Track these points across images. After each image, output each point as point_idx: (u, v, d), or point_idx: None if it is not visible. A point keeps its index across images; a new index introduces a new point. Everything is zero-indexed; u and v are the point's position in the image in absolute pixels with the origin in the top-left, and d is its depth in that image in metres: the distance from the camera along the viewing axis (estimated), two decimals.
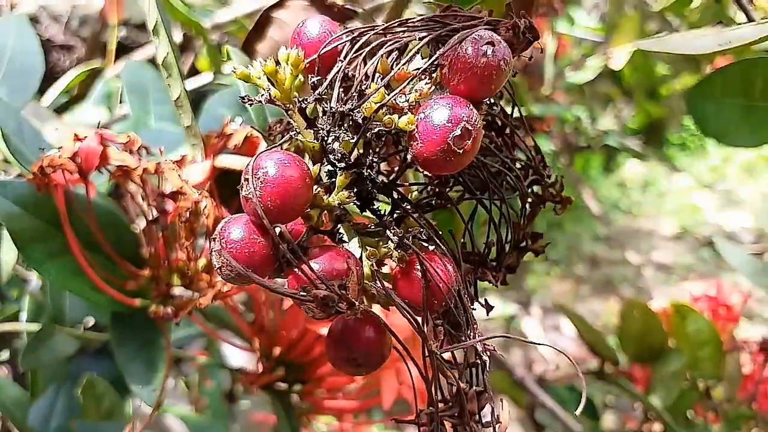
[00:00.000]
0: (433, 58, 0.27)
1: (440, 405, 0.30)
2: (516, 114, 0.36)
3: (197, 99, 0.87)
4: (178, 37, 1.30)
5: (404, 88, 0.27)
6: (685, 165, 3.23)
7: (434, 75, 0.28)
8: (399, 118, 0.27)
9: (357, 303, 0.26)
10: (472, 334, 0.31)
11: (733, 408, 0.80)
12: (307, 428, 0.57)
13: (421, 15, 0.31)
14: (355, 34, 0.29)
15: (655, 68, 1.93)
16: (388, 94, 0.27)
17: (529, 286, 2.41)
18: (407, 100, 0.28)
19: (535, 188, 0.36)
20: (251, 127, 0.42)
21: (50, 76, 1.20)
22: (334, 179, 0.29)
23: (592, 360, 0.89)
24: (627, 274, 2.47)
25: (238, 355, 0.85)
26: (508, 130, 0.35)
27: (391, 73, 0.27)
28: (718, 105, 0.55)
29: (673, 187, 3.12)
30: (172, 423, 0.99)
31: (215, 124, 0.53)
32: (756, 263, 0.72)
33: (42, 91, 1.15)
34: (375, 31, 0.29)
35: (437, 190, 0.32)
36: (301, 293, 0.26)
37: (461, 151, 0.26)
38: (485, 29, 0.28)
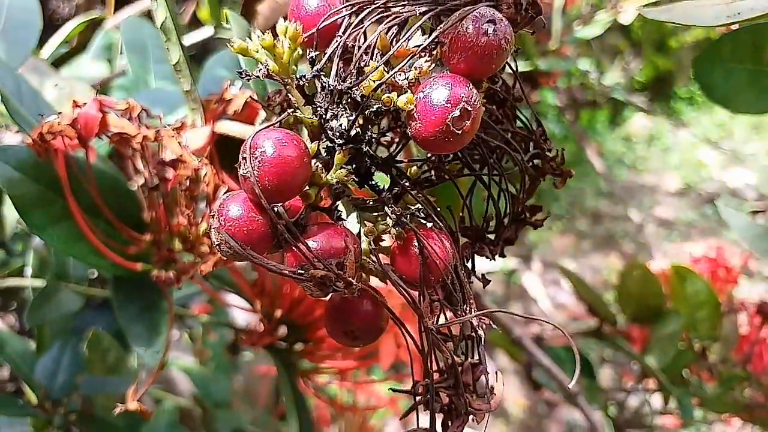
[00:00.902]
0: (433, 35, 0.27)
1: (436, 376, 0.31)
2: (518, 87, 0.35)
3: (199, 54, 0.86)
4: None
5: (403, 66, 0.27)
6: (692, 120, 3.19)
7: (434, 52, 0.28)
8: (398, 96, 0.27)
9: (354, 282, 0.26)
10: (468, 308, 0.31)
11: (728, 369, 0.82)
12: (307, 386, 0.58)
13: None
14: (355, 7, 0.28)
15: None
16: (387, 72, 0.27)
17: (530, 241, 2.42)
18: (406, 78, 0.27)
19: (536, 161, 0.36)
20: (250, 97, 0.42)
21: (49, 24, 1.18)
22: (332, 156, 0.29)
23: (591, 319, 0.90)
24: (629, 229, 2.48)
25: (241, 312, 0.86)
26: (509, 103, 0.35)
27: (391, 51, 0.27)
28: (726, 70, 0.54)
29: (679, 142, 3.09)
30: (177, 375, 1.01)
31: (215, 86, 0.53)
32: (756, 227, 0.73)
33: (41, 41, 1.13)
34: (375, 4, 0.28)
35: (436, 165, 0.32)
36: (299, 272, 0.26)
37: (460, 132, 0.26)
38: (487, 6, 0.27)
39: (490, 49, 0.26)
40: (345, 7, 0.29)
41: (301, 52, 0.29)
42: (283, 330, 0.52)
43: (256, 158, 0.26)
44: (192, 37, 0.89)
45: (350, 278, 0.27)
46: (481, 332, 0.31)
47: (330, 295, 0.32)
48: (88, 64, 0.96)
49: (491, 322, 0.31)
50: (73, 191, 0.42)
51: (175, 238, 0.45)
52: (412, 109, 0.27)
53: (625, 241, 2.45)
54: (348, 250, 0.27)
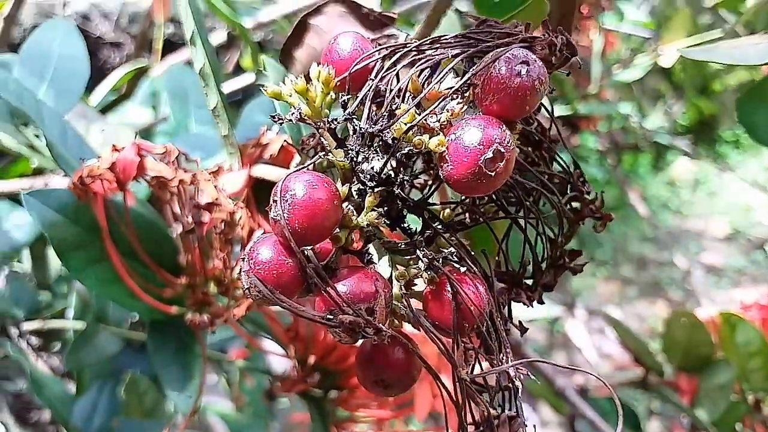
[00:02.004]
0: (465, 77, 0.26)
1: (471, 429, 0.30)
2: (554, 129, 0.35)
3: (241, 99, 0.88)
4: (222, 35, 1.31)
5: (435, 108, 0.27)
6: (738, 163, 3.12)
7: (467, 94, 0.27)
8: (430, 138, 0.26)
9: (384, 328, 0.26)
10: (504, 357, 0.30)
11: None
12: None
13: (455, 33, 0.30)
14: (387, 51, 0.28)
15: (707, 64, 1.87)
16: (419, 114, 0.27)
17: (573, 288, 2.37)
18: (438, 120, 0.27)
19: (574, 204, 0.35)
20: (285, 141, 0.42)
21: (101, 73, 1.23)
22: (363, 198, 0.29)
23: (637, 368, 0.86)
24: (675, 276, 2.40)
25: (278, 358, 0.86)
26: (545, 145, 0.34)
27: (423, 93, 0.27)
28: None
29: (725, 187, 3.01)
30: (214, 421, 1.00)
31: (253, 131, 0.53)
32: None
33: (91, 88, 1.18)
34: (407, 48, 0.28)
35: (470, 208, 0.31)
36: (328, 317, 0.26)
37: (493, 174, 0.26)
38: (520, 47, 0.27)
39: (524, 90, 0.26)
40: (377, 50, 0.29)
41: (334, 96, 0.29)
42: (317, 377, 0.51)
43: (286, 201, 0.26)
44: (234, 84, 0.92)
45: (380, 324, 0.26)
46: (518, 383, 0.30)
47: (361, 341, 0.31)
48: (133, 111, 0.99)
49: (530, 373, 0.30)
50: (111, 234, 0.43)
51: (210, 282, 0.45)
52: (444, 151, 0.26)
53: (671, 288, 2.37)
54: (378, 295, 0.27)
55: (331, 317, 0.26)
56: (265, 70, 0.40)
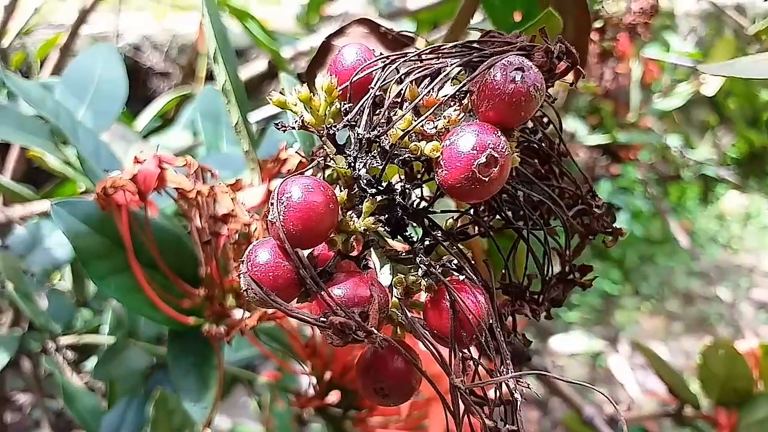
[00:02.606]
0: (461, 84, 0.27)
1: None
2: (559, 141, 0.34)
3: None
4: (263, 64, 1.35)
5: (431, 114, 0.27)
6: None
7: (464, 102, 0.28)
8: (426, 144, 0.27)
9: (375, 332, 0.26)
10: (504, 369, 0.29)
11: None
12: None
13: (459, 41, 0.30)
14: (387, 61, 0.29)
15: (757, 94, 1.82)
16: (416, 121, 0.27)
17: (617, 322, 2.31)
18: (435, 127, 0.27)
19: (584, 219, 0.35)
20: (296, 152, 0.43)
21: (150, 101, 1.28)
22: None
23: (674, 401, 0.83)
24: (723, 312, 2.32)
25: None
26: (554, 159, 0.34)
27: (417, 99, 0.27)
28: None
29: None
30: None
31: (275, 149, 0.54)
32: None
33: (138, 114, 1.23)
34: (407, 57, 0.29)
35: (474, 219, 0.31)
36: (321, 320, 0.26)
37: (487, 179, 0.26)
38: (517, 54, 0.27)
39: (518, 96, 0.26)
40: (378, 60, 0.29)
41: (338, 106, 0.30)
42: (336, 395, 0.51)
43: (282, 203, 0.26)
44: (268, 110, 0.94)
45: (372, 328, 0.26)
46: (517, 395, 0.29)
47: (366, 350, 0.31)
48: (174, 134, 1.02)
49: (529, 385, 0.30)
50: (134, 244, 0.44)
51: (228, 294, 0.46)
52: (439, 157, 0.26)
53: (719, 324, 2.29)
54: (372, 299, 0.27)
55: (324, 319, 0.26)
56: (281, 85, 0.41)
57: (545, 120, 0.34)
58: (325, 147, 0.30)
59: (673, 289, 2.47)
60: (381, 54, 0.30)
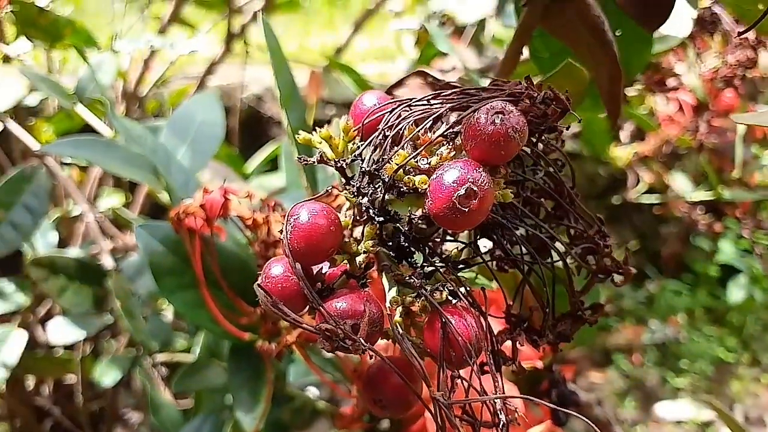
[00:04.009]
0: (448, 125, 0.30)
1: None
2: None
3: None
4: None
5: (423, 151, 0.30)
6: None
7: (456, 141, 0.31)
8: (417, 177, 0.30)
9: (361, 341, 0.29)
10: (496, 391, 0.32)
11: None
12: None
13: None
14: (396, 105, 0.33)
15: None
16: (412, 157, 0.30)
17: (732, 392, 2.14)
18: (429, 163, 0.31)
19: (590, 257, 0.36)
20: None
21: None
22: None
23: None
24: None
25: None
26: (566, 199, 0.36)
27: (409, 137, 0.31)
28: None
29: None
30: None
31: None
32: None
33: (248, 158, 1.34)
34: (414, 102, 0.33)
35: (473, 249, 0.34)
36: (315, 327, 0.29)
37: (467, 210, 0.28)
38: (504, 100, 0.30)
39: (497, 137, 0.29)
40: (388, 104, 0.33)
41: (356, 143, 0.34)
42: (376, 420, 0.54)
43: (290, 224, 0.30)
44: None
45: (359, 338, 0.29)
46: (502, 417, 0.31)
47: (371, 365, 0.34)
48: (274, 176, 1.10)
49: (518, 409, 0.31)
50: (202, 265, 0.50)
51: None
52: (427, 188, 0.30)
53: None
54: (365, 314, 0.30)
55: (316, 327, 0.29)
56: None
57: (559, 163, 0.37)
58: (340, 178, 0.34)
59: None
60: (395, 98, 0.34)
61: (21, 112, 1.15)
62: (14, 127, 0.95)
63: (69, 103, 0.79)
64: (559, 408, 0.37)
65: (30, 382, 1.25)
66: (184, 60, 1.76)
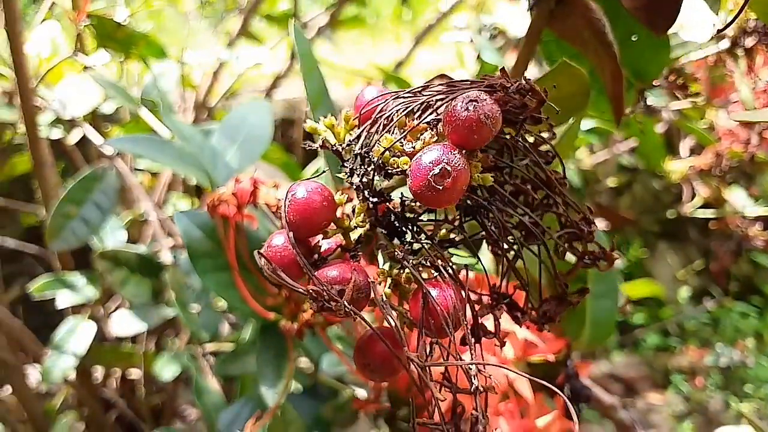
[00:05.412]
0: (428, 112, 0.33)
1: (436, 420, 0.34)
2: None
3: None
4: None
5: (408, 136, 0.34)
6: None
7: (438, 128, 0.34)
8: (401, 159, 0.33)
9: (345, 303, 0.32)
10: (470, 359, 0.34)
11: None
12: None
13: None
14: (389, 97, 0.36)
15: None
16: (398, 141, 0.34)
17: None
18: (413, 147, 0.34)
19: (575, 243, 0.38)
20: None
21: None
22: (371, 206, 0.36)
23: None
24: None
25: None
26: (555, 188, 0.39)
27: (393, 122, 0.34)
28: None
29: None
30: None
31: None
32: None
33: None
34: (407, 93, 0.36)
35: (455, 227, 0.37)
36: (303, 289, 0.33)
37: (441, 188, 0.31)
38: (479, 90, 0.33)
39: (470, 122, 0.32)
40: (383, 95, 0.37)
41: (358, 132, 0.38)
42: (389, 405, 0.57)
43: (288, 199, 0.34)
44: None
45: (343, 301, 0.32)
46: (475, 382, 0.34)
47: (364, 333, 0.38)
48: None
49: (491, 376, 0.34)
50: (236, 250, 0.55)
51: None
52: (408, 169, 0.33)
53: None
54: (351, 281, 0.33)
55: (305, 288, 0.33)
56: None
57: (551, 155, 0.39)
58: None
59: None
60: (394, 92, 0.38)
61: (98, 119, 1.25)
62: (88, 130, 1.04)
63: (134, 107, 0.86)
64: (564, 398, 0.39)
65: (98, 375, 1.34)
66: (253, 74, 1.85)
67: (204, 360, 0.97)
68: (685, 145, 1.55)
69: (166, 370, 1.04)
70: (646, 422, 1.95)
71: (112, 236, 1.12)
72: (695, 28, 0.52)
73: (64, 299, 1.03)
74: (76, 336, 1.04)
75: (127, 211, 1.32)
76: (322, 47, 1.92)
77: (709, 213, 1.33)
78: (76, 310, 1.16)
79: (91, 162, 1.33)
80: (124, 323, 1.02)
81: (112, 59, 1.15)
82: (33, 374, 1.28)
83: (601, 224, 1.60)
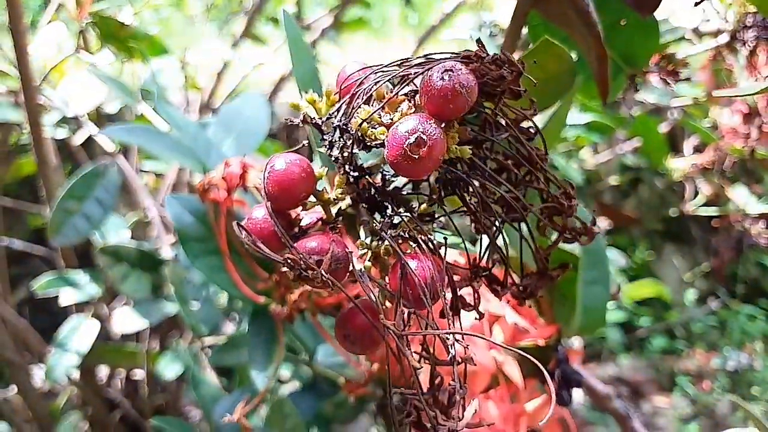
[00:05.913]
0: (404, 84, 0.33)
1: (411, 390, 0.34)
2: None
3: None
4: None
5: (385, 107, 0.34)
6: None
7: (416, 99, 0.34)
8: (378, 130, 0.34)
9: (319, 270, 0.33)
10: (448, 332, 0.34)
11: None
12: None
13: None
14: (368, 72, 0.36)
15: None
16: (376, 113, 0.34)
17: None
18: (391, 119, 0.34)
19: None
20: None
21: None
22: (355, 181, 0.36)
23: None
24: None
25: None
26: (537, 165, 0.39)
27: (371, 92, 0.34)
28: None
29: None
30: None
31: None
32: None
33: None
34: (386, 67, 0.36)
35: (434, 200, 0.37)
36: (280, 258, 0.33)
37: (417, 157, 0.32)
38: (454, 60, 0.33)
39: (445, 91, 0.32)
40: (363, 69, 0.37)
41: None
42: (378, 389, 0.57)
43: (267, 171, 0.34)
44: None
45: (320, 270, 0.33)
46: (453, 351, 0.34)
47: (345, 306, 0.38)
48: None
49: (470, 347, 0.34)
50: (226, 234, 0.55)
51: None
52: (385, 139, 0.33)
53: None
54: (329, 251, 0.34)
55: (283, 257, 0.33)
56: None
57: (533, 131, 0.39)
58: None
59: None
60: (373, 66, 0.38)
61: (102, 119, 1.27)
62: (91, 128, 1.05)
63: (133, 102, 0.87)
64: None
65: (102, 375, 1.35)
66: (257, 76, 1.86)
67: (203, 354, 0.97)
68: (689, 144, 1.55)
69: (169, 369, 1.05)
70: (652, 425, 1.94)
71: (116, 235, 1.12)
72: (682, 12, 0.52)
73: (67, 297, 1.04)
74: (79, 334, 1.04)
75: (132, 213, 1.32)
76: (326, 49, 1.92)
77: (711, 211, 1.32)
78: (80, 308, 1.17)
79: (93, 159, 1.34)
80: (126, 320, 1.02)
81: (116, 59, 1.16)
82: (38, 374, 1.28)
83: (604, 223, 1.60)
